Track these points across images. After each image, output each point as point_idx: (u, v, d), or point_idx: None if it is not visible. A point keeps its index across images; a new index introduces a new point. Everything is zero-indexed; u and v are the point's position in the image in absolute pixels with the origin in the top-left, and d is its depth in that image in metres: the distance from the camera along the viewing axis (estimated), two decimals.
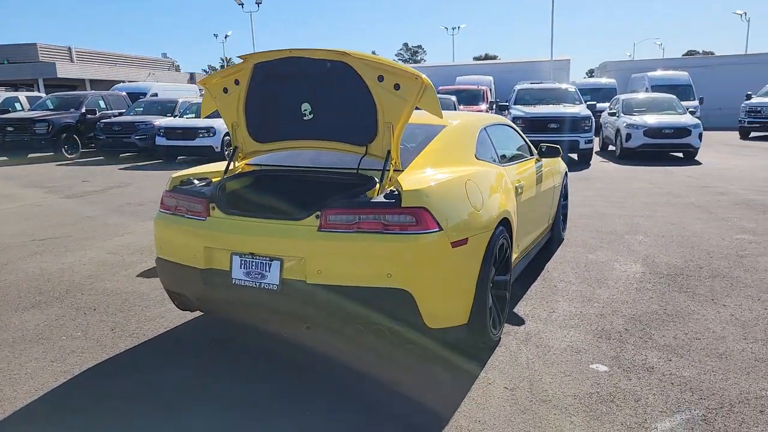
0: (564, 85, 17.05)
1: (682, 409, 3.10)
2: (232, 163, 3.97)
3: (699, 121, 14.71)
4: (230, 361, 3.73)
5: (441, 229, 3.10)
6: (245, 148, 3.97)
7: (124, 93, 21.83)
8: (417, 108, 3.40)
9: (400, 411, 3.09)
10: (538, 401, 3.19)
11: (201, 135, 15.74)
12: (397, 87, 3.30)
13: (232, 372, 3.57)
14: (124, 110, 19.88)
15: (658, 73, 24.72)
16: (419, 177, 3.40)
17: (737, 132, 22.13)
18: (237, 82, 3.75)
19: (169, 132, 16.03)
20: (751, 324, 4.25)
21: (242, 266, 3.32)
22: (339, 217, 3.13)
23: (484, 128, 4.59)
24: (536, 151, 5.65)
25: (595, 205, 8.89)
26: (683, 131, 14.39)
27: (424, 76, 3.29)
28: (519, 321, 4.34)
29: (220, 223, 3.41)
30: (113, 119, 17.83)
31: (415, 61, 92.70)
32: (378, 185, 3.32)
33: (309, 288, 3.13)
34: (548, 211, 5.81)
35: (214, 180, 3.94)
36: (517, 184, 4.50)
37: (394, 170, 3.46)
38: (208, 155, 15.87)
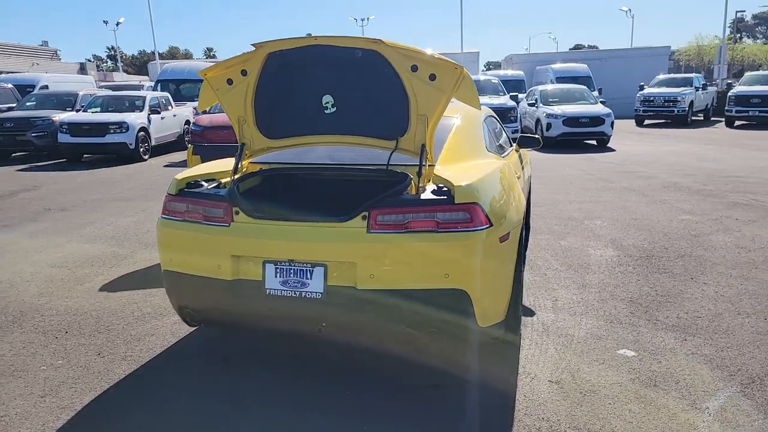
0: (487, 77, 17.52)
1: (720, 387, 3.22)
2: (236, 161, 3.63)
3: (610, 111, 15.67)
4: (258, 380, 3.42)
5: (491, 224, 3.00)
6: (253, 145, 3.64)
7: (10, 85, 19.73)
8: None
9: (460, 411, 2.98)
10: (588, 392, 3.19)
11: (112, 131, 14.55)
12: (432, 77, 3.15)
13: (265, 390, 3.27)
14: (13, 105, 17.99)
15: (561, 65, 26.09)
16: (459, 172, 3.28)
17: (633, 120, 23.85)
18: (244, 73, 3.42)
19: (74, 128, 14.65)
20: (736, 299, 4.53)
21: (278, 275, 3.04)
22: (389, 217, 2.93)
23: (484, 120, 4.54)
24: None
25: (542, 192, 9.18)
26: (598, 120, 15.27)
27: (460, 66, 3.16)
28: (529, 312, 4.35)
29: (248, 229, 3.09)
30: (4, 115, 16.07)
31: None
32: (413, 181, 3.16)
33: (360, 294, 2.92)
34: (527, 199, 5.89)
35: (223, 181, 3.59)
36: (516, 175, 4.50)
37: (428, 165, 3.31)
38: (120, 153, 14.74)
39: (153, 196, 9.62)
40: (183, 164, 13.06)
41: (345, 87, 3.34)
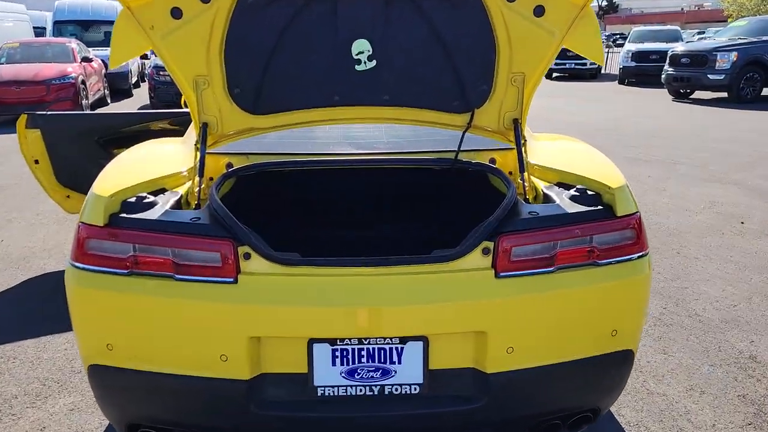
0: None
1: None
2: (203, 153, 2.12)
3: None
4: None
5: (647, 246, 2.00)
6: (223, 125, 2.16)
7: None
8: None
9: None
10: None
11: None
12: (539, 11, 1.99)
13: None
14: None
15: None
16: (560, 157, 2.23)
17: None
18: (206, 0, 1.93)
19: None
20: (746, 279, 4.14)
21: (338, 361, 1.74)
22: (529, 247, 1.78)
23: None
24: None
25: None
26: None
27: None
28: None
29: (274, 287, 1.72)
30: None
31: None
32: (508, 182, 2.03)
33: (493, 381, 1.76)
34: None
35: (183, 191, 2.07)
36: None
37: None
38: None
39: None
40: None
41: (391, 29, 2.03)
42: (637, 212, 1.91)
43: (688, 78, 13.67)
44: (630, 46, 18.78)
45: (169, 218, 1.78)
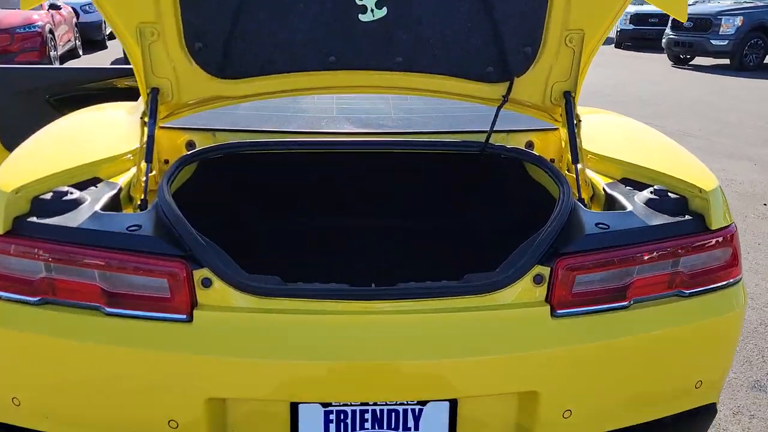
0: None
1: None
2: (152, 129, 1.57)
3: None
4: None
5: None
6: (181, 91, 1.62)
7: None
8: None
9: None
10: None
11: None
12: None
13: None
14: None
15: None
16: (609, 141, 1.76)
17: None
18: None
19: None
20: None
21: (331, 428, 1.26)
22: (597, 275, 1.30)
23: None
24: None
25: None
26: None
27: None
28: None
29: (242, 328, 1.23)
30: None
31: None
32: (560, 180, 1.55)
33: None
34: None
35: (122, 181, 1.53)
36: None
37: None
38: None
39: None
40: None
41: None
42: (732, 224, 1.43)
43: (690, 43, 13.11)
44: (629, 8, 18.15)
45: (98, 225, 1.26)
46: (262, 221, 2.04)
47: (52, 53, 11.40)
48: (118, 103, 2.20)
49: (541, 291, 1.28)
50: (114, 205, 1.42)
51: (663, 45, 14.03)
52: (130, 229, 1.25)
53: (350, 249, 1.91)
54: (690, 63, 14.14)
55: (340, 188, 2.05)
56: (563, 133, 1.84)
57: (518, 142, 1.81)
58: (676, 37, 13.44)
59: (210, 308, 1.23)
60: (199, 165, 1.75)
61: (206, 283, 1.24)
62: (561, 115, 1.71)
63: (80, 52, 13.53)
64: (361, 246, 1.93)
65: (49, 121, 2.90)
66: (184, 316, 1.22)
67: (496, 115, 1.67)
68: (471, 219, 2.10)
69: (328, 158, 1.88)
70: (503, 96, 1.66)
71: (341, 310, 1.23)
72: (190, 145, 1.76)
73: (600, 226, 1.32)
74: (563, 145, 1.81)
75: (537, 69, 1.64)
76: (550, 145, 1.84)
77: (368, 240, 1.95)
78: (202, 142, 1.75)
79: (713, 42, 12.68)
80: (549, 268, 1.28)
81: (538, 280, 1.28)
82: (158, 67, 1.57)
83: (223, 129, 1.76)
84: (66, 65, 11.38)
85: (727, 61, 13.10)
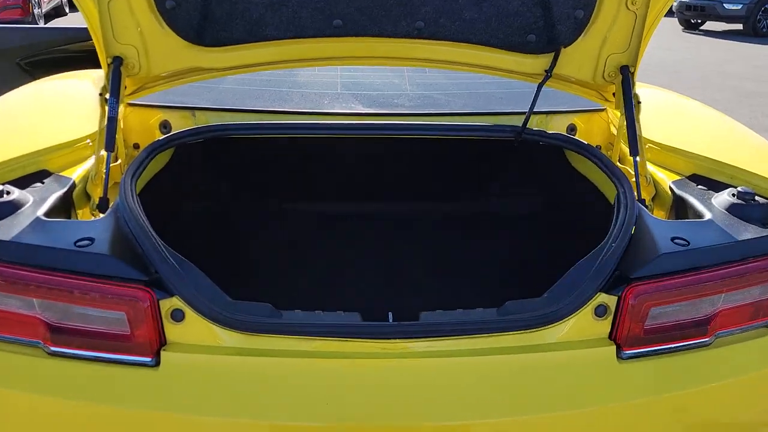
0: None
1: None
2: (114, 108, 1.27)
3: None
4: None
5: None
6: (150, 61, 1.30)
7: None
8: None
9: None
10: None
11: None
12: None
13: None
14: None
15: None
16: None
17: None
18: None
19: None
20: None
21: None
22: (675, 306, 1.03)
23: None
24: None
25: None
26: None
27: None
28: None
29: (224, 375, 0.96)
30: None
31: None
32: (620, 180, 1.27)
33: None
34: None
35: (76, 176, 1.23)
36: None
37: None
38: None
39: None
40: None
41: None
42: None
43: (702, 7, 12.61)
44: None
45: (38, 238, 0.98)
46: (252, 220, 1.75)
47: (35, 11, 10.89)
48: (87, 71, 1.88)
49: (604, 326, 1.02)
50: (64, 207, 1.13)
51: (673, 9, 13.51)
52: (79, 243, 0.97)
53: (358, 254, 1.63)
54: (700, 28, 13.67)
55: (343, 179, 1.75)
56: (611, 114, 1.55)
57: (559, 125, 1.52)
58: (687, 0, 12.94)
59: (182, 348, 0.96)
60: (176, 152, 1.46)
61: (177, 315, 0.96)
62: (613, 94, 1.41)
63: (66, 10, 12.95)
64: (369, 250, 1.64)
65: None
66: (149, 359, 0.95)
67: (537, 95, 1.36)
68: (499, 219, 1.81)
69: (330, 144, 1.58)
70: (546, 71, 1.35)
71: (351, 352, 0.96)
72: (165, 126, 1.46)
73: (677, 241, 1.04)
74: (612, 129, 1.52)
75: (589, 37, 1.33)
76: (594, 130, 1.55)
77: (378, 244, 1.66)
78: (179, 124, 1.45)
79: (726, 6, 12.20)
80: (615, 297, 1.00)
81: (600, 311, 1.01)
82: (121, 31, 1.26)
83: (205, 108, 1.46)
84: (49, 25, 10.86)
85: (739, 26, 12.63)
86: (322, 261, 1.61)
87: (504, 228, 1.75)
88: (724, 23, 13.12)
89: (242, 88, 1.55)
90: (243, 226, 1.73)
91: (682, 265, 1.01)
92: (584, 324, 1.01)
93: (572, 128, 1.55)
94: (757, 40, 12.00)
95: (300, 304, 1.06)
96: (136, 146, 1.43)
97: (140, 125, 1.45)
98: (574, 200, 1.48)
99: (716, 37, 12.54)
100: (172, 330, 0.96)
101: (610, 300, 1.01)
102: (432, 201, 1.83)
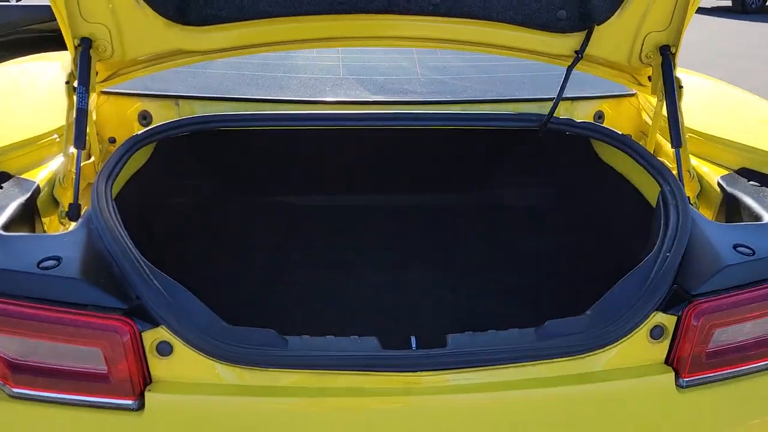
0: None
1: None
2: (83, 98, 1.10)
3: None
4: None
5: None
6: (125, 42, 1.12)
7: None
8: None
9: None
10: None
11: None
12: None
13: None
14: None
15: None
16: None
17: None
18: None
19: None
20: None
21: None
22: (742, 327, 0.89)
23: None
24: None
25: None
26: None
27: None
28: None
29: (220, 419, 0.81)
30: None
31: None
32: (664, 177, 1.13)
33: None
34: None
35: (40, 179, 1.06)
36: None
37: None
38: None
39: None
40: None
41: None
42: None
43: None
44: None
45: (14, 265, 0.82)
46: (246, 221, 1.59)
47: None
48: (57, 53, 1.69)
49: (660, 350, 0.88)
50: (26, 216, 0.97)
51: None
52: (43, 265, 0.81)
53: (364, 255, 1.48)
54: None
55: (347, 171, 1.59)
56: (642, 100, 1.40)
57: (585, 112, 1.38)
58: None
59: (170, 388, 0.81)
60: (158, 147, 1.29)
61: (164, 349, 0.81)
62: (649, 78, 1.26)
63: None
64: (376, 250, 1.49)
65: None
66: (131, 401, 0.80)
67: (566, 79, 1.21)
68: (518, 216, 1.66)
69: (333, 136, 1.42)
70: (577, 52, 1.20)
71: (371, 389, 0.82)
72: (144, 117, 1.29)
73: (741, 249, 0.91)
74: (644, 117, 1.37)
75: (626, 14, 1.17)
76: (623, 117, 1.40)
77: (386, 243, 1.51)
78: (161, 115, 1.28)
79: None
80: (675, 317, 0.87)
81: (657, 334, 0.88)
82: (90, 8, 1.08)
83: (189, 96, 1.29)
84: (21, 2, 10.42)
85: (728, 3, 12.52)
86: (325, 264, 1.46)
87: (524, 226, 1.61)
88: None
89: (232, 74, 1.38)
90: (235, 228, 1.57)
91: (749, 278, 0.88)
92: (638, 348, 0.87)
93: (599, 115, 1.41)
94: (745, 17, 11.92)
95: (304, 315, 0.92)
96: (113, 141, 1.26)
97: (116, 117, 1.28)
98: (602, 196, 1.34)
99: (705, 14, 12.42)
100: (158, 366, 0.81)
101: (668, 320, 0.87)
102: (443, 194, 1.68)
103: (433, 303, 1.37)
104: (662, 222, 0.98)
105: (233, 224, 1.61)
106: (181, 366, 0.82)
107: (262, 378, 0.82)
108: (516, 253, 1.55)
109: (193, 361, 0.81)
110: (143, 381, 0.81)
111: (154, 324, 0.81)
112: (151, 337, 0.81)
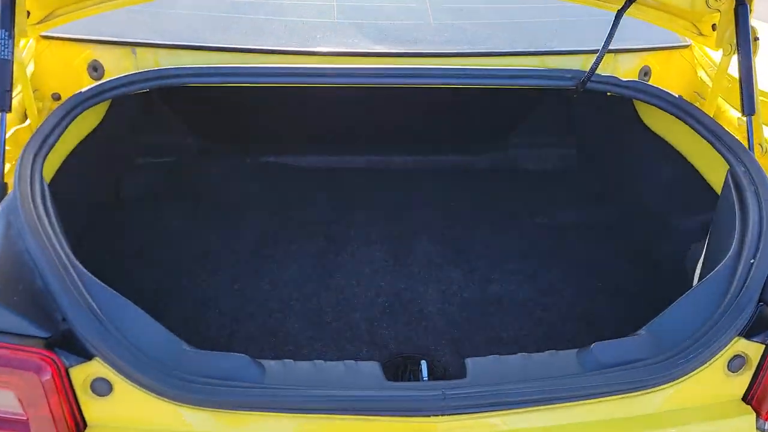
0: None
1: None
2: (7, 45, 0.86)
3: None
4: None
5: None
6: None
7: None
8: None
9: None
10: None
11: None
12: None
13: None
14: None
15: None
16: None
17: None
18: None
19: None
20: None
21: None
22: None
23: None
24: None
25: None
26: None
27: None
28: None
29: None
30: None
31: None
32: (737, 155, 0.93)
33: None
34: None
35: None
36: None
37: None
38: None
39: None
40: None
41: None
42: None
43: None
44: None
45: None
46: (231, 186, 1.37)
47: None
48: None
49: (739, 384, 0.70)
50: None
51: None
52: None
53: (367, 235, 1.27)
54: None
55: (343, 134, 1.37)
56: (698, 53, 1.18)
57: (629, 68, 1.14)
58: None
59: None
60: (112, 106, 1.06)
61: (100, 387, 0.62)
62: (713, 26, 1.03)
63: None
64: (380, 229, 1.29)
65: None
66: None
67: (615, 26, 0.98)
68: (540, 183, 1.44)
69: (327, 94, 1.19)
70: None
71: None
72: (95, 68, 1.06)
73: None
74: (700, 74, 1.15)
75: None
76: (672, 73, 1.17)
77: (390, 221, 1.30)
78: (116, 65, 1.05)
79: None
80: (762, 346, 0.68)
81: (736, 365, 0.69)
82: None
83: (150, 44, 1.05)
84: None
85: None
86: (318, 235, 1.26)
87: (544, 195, 1.40)
88: None
89: (203, 15, 1.14)
90: (216, 193, 1.35)
91: None
92: (711, 382, 0.69)
93: (646, 72, 1.18)
94: None
95: (294, 303, 0.75)
96: (57, 97, 1.04)
97: (62, 68, 1.05)
98: (638, 164, 1.14)
99: None
100: (93, 408, 0.63)
101: (752, 349, 0.68)
102: (451, 155, 1.47)
103: (439, 288, 1.18)
104: (738, 215, 0.78)
105: (214, 187, 1.40)
106: (124, 407, 0.63)
107: (228, 423, 0.63)
108: (533, 226, 1.35)
109: (138, 401, 0.63)
110: (76, 426, 0.63)
111: (86, 357, 0.61)
112: (83, 373, 0.62)
